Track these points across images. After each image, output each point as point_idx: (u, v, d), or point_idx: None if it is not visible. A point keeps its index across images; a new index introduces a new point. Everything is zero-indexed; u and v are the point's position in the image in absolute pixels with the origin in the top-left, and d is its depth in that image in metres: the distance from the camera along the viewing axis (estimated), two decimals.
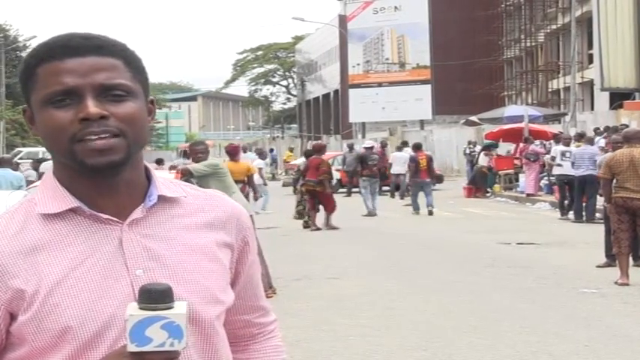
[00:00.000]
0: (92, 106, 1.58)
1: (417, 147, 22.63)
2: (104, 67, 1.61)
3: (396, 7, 51.82)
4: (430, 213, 21.00)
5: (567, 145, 19.71)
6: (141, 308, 1.47)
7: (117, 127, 1.59)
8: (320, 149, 19.25)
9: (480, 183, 27.51)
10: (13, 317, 1.61)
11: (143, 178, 1.70)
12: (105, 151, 1.58)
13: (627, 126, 22.39)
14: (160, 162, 25.34)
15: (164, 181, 1.73)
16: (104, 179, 1.63)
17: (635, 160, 10.43)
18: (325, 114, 72.87)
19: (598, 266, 11.52)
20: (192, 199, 1.74)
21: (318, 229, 17.85)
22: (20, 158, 32.03)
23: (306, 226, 18.28)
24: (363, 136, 51.49)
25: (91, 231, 1.64)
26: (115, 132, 1.59)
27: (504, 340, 7.60)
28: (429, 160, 21.83)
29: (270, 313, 1.92)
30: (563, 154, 19.32)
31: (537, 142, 25.97)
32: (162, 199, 1.69)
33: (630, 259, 10.73)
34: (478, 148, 31.27)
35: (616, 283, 10.27)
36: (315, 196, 18.03)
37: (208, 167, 10.10)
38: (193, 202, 1.73)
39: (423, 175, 21.37)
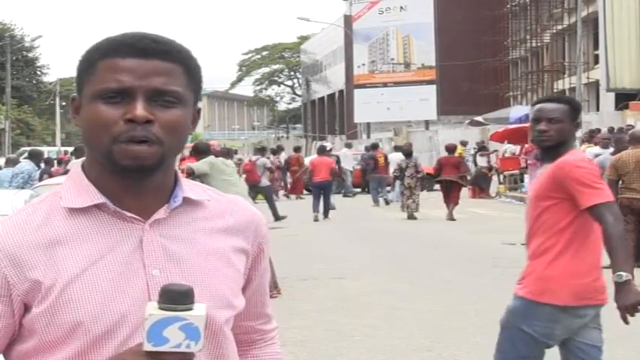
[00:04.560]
0: (140, 109, 1.59)
1: (374, 146, 26.92)
2: (162, 71, 1.62)
3: (401, 7, 51.84)
4: (387, 202, 24.22)
5: (606, 146, 15.37)
6: (160, 308, 1.46)
7: (157, 134, 1.60)
8: (453, 149, 22.13)
9: (482, 184, 27.52)
10: (27, 309, 1.62)
11: (171, 181, 1.71)
12: (140, 158, 1.60)
13: (632, 127, 22.36)
14: None
15: (189, 184, 1.75)
16: (134, 181, 1.65)
17: None
18: (330, 114, 72.86)
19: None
20: (215, 203, 1.76)
21: (453, 219, 19.78)
22: (25, 158, 32.04)
23: (410, 216, 20.27)
24: (368, 137, 51.54)
25: (113, 228, 1.65)
26: (153, 140, 1.60)
27: None
28: (385, 157, 25.09)
29: (272, 321, 1.94)
30: (597, 157, 14.34)
31: None
32: (186, 202, 1.71)
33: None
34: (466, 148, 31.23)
35: None
36: (449, 189, 20.01)
37: (209, 165, 10.25)
38: (216, 207, 1.75)
39: (382, 171, 24.51)
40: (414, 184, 20.52)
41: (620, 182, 10.56)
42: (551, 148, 4.29)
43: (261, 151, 25.03)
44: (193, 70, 1.68)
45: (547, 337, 4.26)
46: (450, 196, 19.99)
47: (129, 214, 1.65)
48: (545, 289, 4.20)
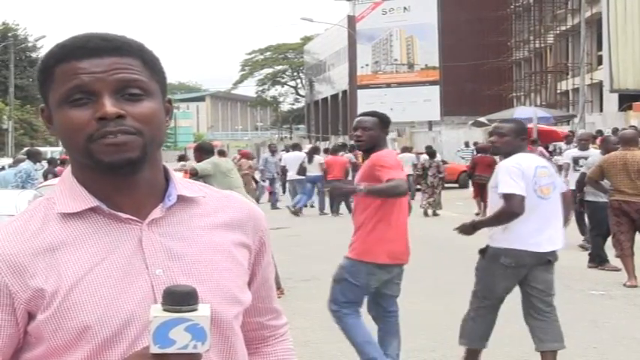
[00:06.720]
0: (109, 106, 1.57)
1: (343, 147, 28.21)
2: (121, 66, 1.61)
3: (405, 8, 51.80)
4: None
5: (584, 148, 13.42)
6: (165, 310, 1.45)
7: (133, 126, 1.59)
8: (486, 149, 23.03)
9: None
10: (31, 316, 1.61)
11: (162, 178, 1.70)
12: (121, 148, 1.58)
13: (635, 127, 22.33)
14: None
15: (183, 181, 1.73)
16: (123, 178, 1.63)
17: (628, 163, 10.27)
18: (333, 114, 72.86)
19: (601, 268, 11.47)
20: (211, 199, 1.74)
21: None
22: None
23: (426, 214, 21.60)
24: None
25: (111, 230, 1.63)
26: (131, 131, 1.59)
27: (512, 342, 7.61)
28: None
29: (281, 316, 1.93)
30: (575, 161, 13.31)
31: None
32: (182, 199, 1.69)
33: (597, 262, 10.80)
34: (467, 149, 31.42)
35: (624, 285, 10.25)
36: (483, 187, 20.97)
37: (212, 165, 10.27)
38: (212, 203, 1.74)
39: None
40: (436, 183, 22.05)
41: (609, 185, 10.46)
42: (367, 150, 5.92)
43: (343, 147, 26.17)
44: (150, 61, 1.66)
45: (366, 287, 6.00)
46: (485, 194, 21.26)
47: (124, 215, 1.63)
48: (367, 251, 5.89)
